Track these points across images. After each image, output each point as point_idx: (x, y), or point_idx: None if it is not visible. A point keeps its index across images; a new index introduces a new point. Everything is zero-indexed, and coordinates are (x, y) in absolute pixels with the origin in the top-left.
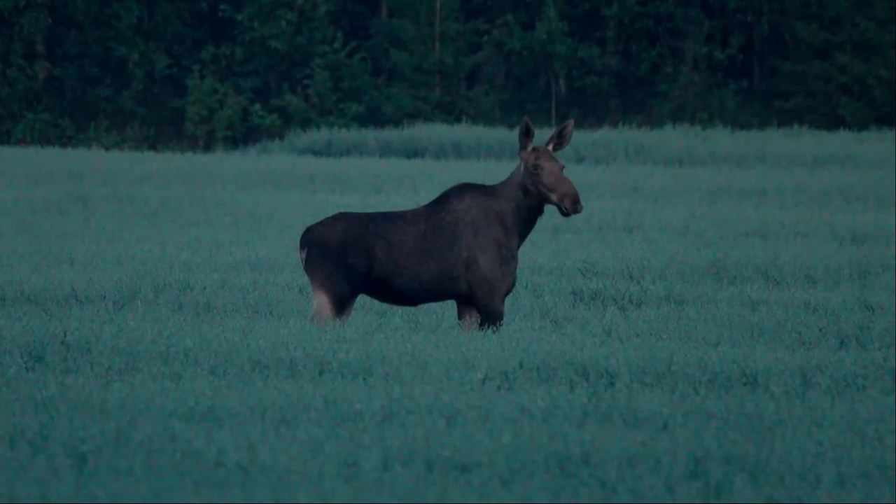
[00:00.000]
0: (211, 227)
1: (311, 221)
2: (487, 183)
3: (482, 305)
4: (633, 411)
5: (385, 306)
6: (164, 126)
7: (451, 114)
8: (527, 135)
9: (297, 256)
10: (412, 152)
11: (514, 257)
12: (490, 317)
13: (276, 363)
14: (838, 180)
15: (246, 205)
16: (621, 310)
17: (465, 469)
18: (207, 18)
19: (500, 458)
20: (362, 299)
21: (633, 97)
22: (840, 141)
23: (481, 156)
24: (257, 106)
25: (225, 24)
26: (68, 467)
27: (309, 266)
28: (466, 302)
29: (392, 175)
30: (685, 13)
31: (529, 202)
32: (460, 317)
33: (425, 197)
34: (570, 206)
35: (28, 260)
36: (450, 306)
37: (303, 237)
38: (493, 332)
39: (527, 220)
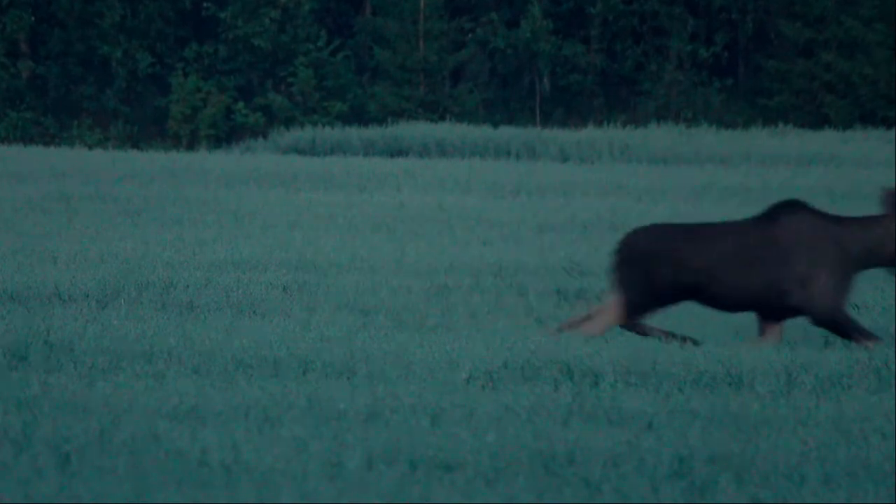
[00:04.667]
0: (194, 225)
1: (294, 220)
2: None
3: (824, 320)
4: (617, 410)
5: (369, 305)
6: (148, 124)
7: (436, 112)
8: None
9: (280, 255)
10: (396, 151)
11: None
12: (838, 327)
13: (260, 362)
14: (823, 179)
15: (229, 203)
16: None
17: (449, 468)
18: (191, 16)
19: (484, 457)
20: (345, 297)
21: (617, 95)
22: (825, 139)
23: (466, 154)
24: (241, 104)
25: (208, 23)
26: (51, 466)
27: (614, 270)
28: (780, 318)
29: (376, 174)
30: (669, 11)
31: (868, 262)
32: (762, 333)
33: (409, 195)
34: None
35: (11, 258)
36: (434, 306)
37: (619, 242)
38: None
39: (858, 268)
